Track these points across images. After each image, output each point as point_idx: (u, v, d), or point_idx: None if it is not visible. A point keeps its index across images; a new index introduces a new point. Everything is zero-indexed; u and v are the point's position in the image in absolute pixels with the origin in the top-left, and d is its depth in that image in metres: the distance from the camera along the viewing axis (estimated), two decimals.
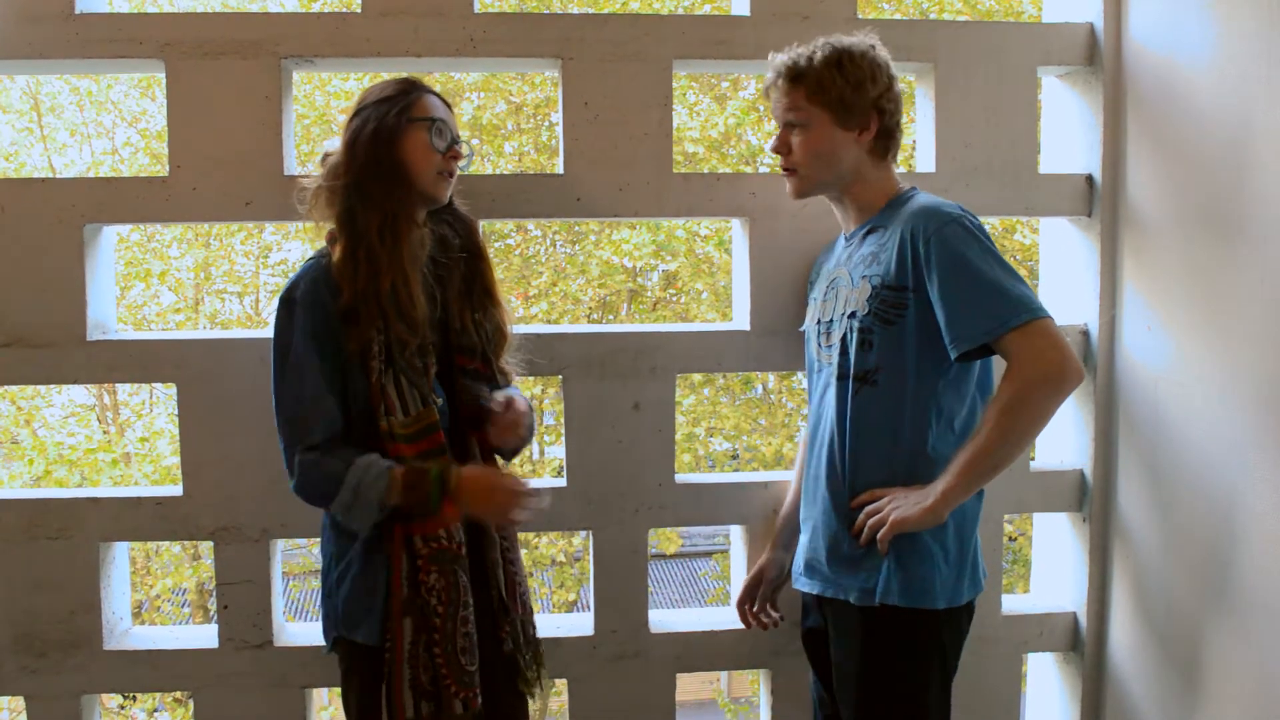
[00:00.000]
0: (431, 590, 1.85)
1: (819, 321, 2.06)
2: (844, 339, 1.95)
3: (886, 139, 1.97)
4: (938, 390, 1.89)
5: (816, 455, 2.04)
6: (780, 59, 1.98)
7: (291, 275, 1.91)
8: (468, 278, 2.02)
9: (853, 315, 1.93)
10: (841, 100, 1.92)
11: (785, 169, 2.01)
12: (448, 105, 2.01)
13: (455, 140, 1.96)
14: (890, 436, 1.90)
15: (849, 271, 1.99)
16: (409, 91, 1.93)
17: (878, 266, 1.91)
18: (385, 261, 1.85)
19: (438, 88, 1.96)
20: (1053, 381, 1.77)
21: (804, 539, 2.10)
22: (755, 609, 2.30)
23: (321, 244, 1.96)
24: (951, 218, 1.84)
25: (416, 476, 1.83)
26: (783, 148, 2.00)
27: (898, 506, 1.84)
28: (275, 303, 1.89)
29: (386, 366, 1.86)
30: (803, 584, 2.08)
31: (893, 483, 1.89)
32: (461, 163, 1.98)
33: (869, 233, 1.98)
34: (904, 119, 1.99)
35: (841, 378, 1.94)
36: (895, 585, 1.88)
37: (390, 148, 1.88)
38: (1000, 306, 1.78)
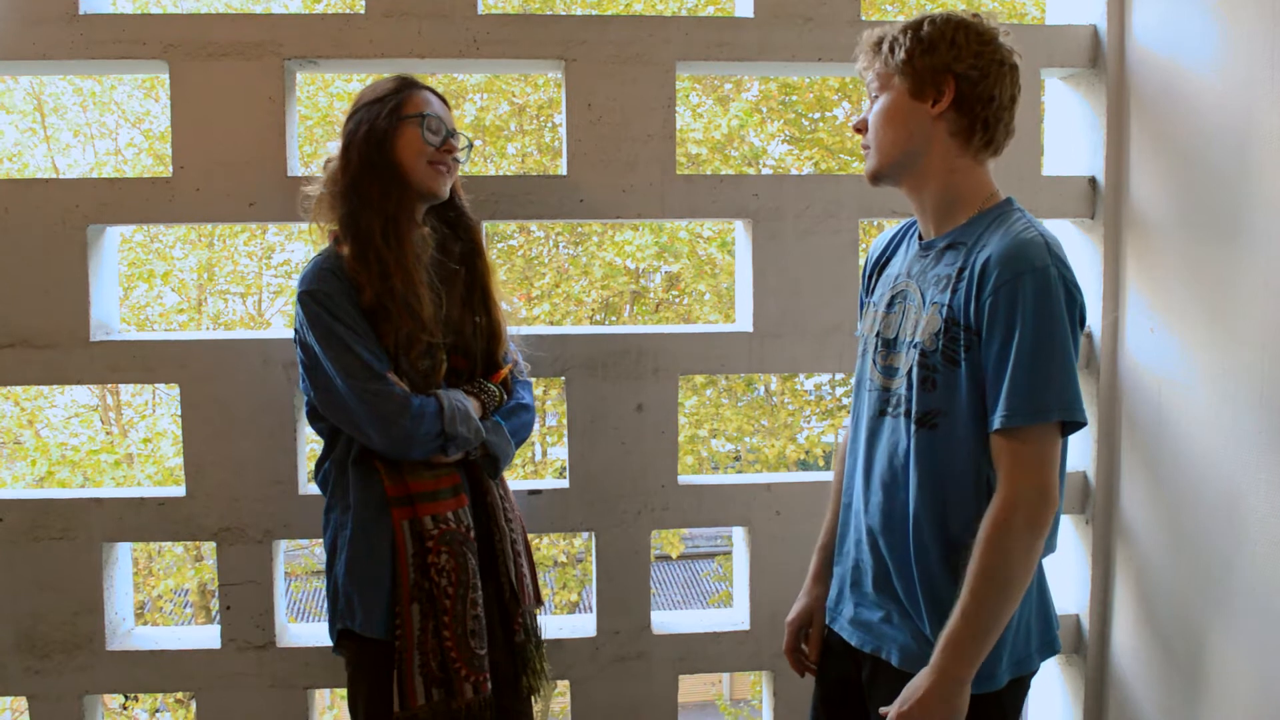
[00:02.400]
0: (441, 571, 1.87)
1: (878, 335, 1.79)
2: (910, 372, 1.69)
3: (969, 118, 1.67)
4: (985, 467, 1.65)
5: (865, 488, 1.79)
6: (868, 32, 1.77)
7: (303, 272, 1.92)
8: (469, 282, 2.03)
9: (917, 346, 1.69)
10: (910, 63, 1.67)
11: (864, 147, 1.77)
12: (445, 101, 2.01)
13: (450, 134, 1.96)
14: (945, 490, 1.66)
15: (920, 289, 1.72)
16: (400, 90, 1.94)
17: (951, 296, 1.65)
18: (392, 263, 1.87)
19: (440, 88, 1.96)
20: (1032, 520, 1.56)
21: (839, 574, 1.88)
22: (812, 658, 1.96)
23: (325, 244, 1.97)
24: (1034, 267, 1.57)
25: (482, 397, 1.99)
26: (861, 124, 1.77)
27: None
28: (297, 302, 1.89)
29: (394, 366, 1.88)
30: (840, 627, 1.86)
31: (956, 543, 1.65)
32: (459, 154, 1.99)
33: (949, 248, 1.70)
34: (1005, 102, 1.69)
35: (906, 415, 1.70)
36: None
37: (383, 148, 1.90)
38: (1013, 405, 1.57)
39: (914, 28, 1.69)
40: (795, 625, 1.97)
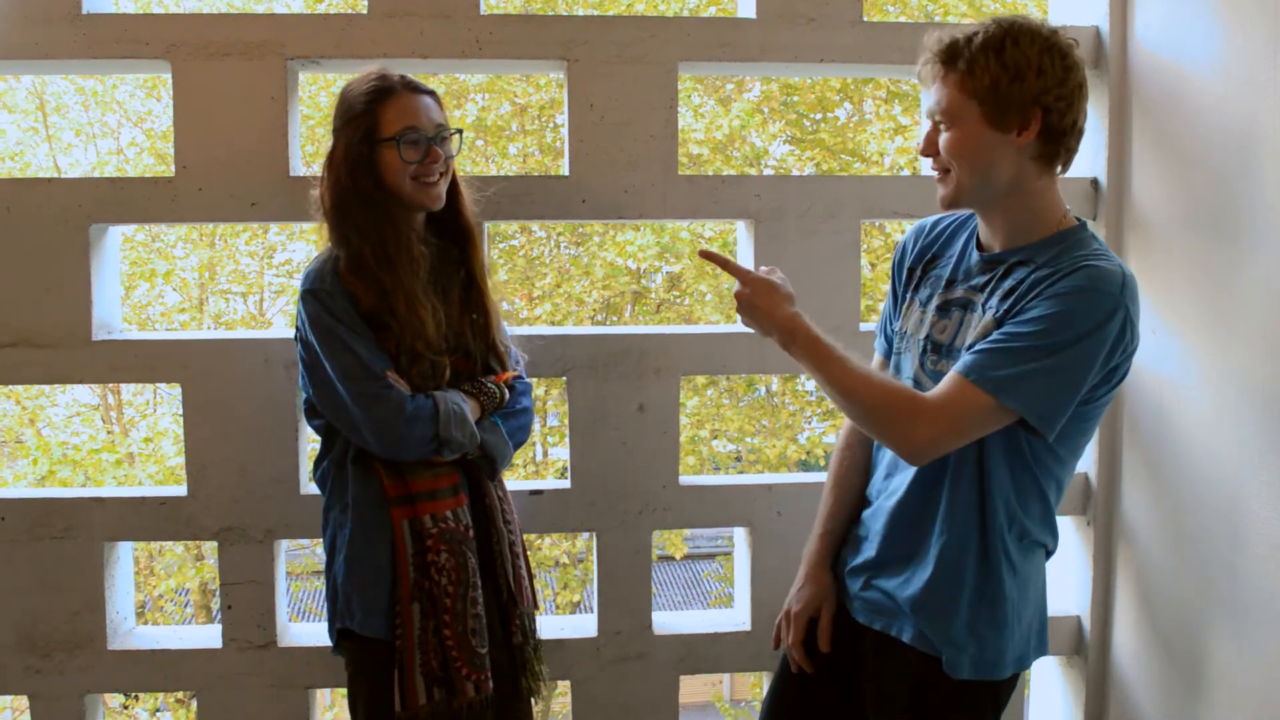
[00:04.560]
0: (441, 570, 1.86)
1: (928, 338, 1.75)
2: None
3: (1054, 144, 1.60)
4: (1025, 452, 1.66)
5: (900, 480, 1.78)
6: (936, 36, 1.64)
7: (306, 270, 1.91)
8: (466, 282, 2.02)
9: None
10: (995, 91, 1.56)
11: (939, 170, 1.68)
12: (427, 91, 1.93)
13: (432, 140, 1.90)
14: (985, 490, 1.68)
15: (981, 301, 1.68)
16: (372, 107, 1.87)
17: (1009, 304, 1.62)
18: (390, 284, 1.85)
19: (441, 88, 1.94)
20: (904, 428, 1.60)
21: (849, 559, 1.88)
22: (823, 648, 1.89)
23: (327, 243, 1.95)
24: (1101, 289, 1.55)
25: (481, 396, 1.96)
26: (929, 148, 1.67)
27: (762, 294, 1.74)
28: (299, 300, 1.88)
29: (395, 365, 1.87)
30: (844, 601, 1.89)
31: (990, 533, 1.68)
32: (449, 154, 1.94)
33: (1019, 264, 1.64)
34: (1083, 123, 1.63)
35: None
36: (967, 660, 1.70)
37: (362, 176, 1.86)
38: (992, 365, 1.56)
39: (994, 48, 1.57)
40: (805, 617, 1.90)
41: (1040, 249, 1.64)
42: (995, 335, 1.59)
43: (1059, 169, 1.65)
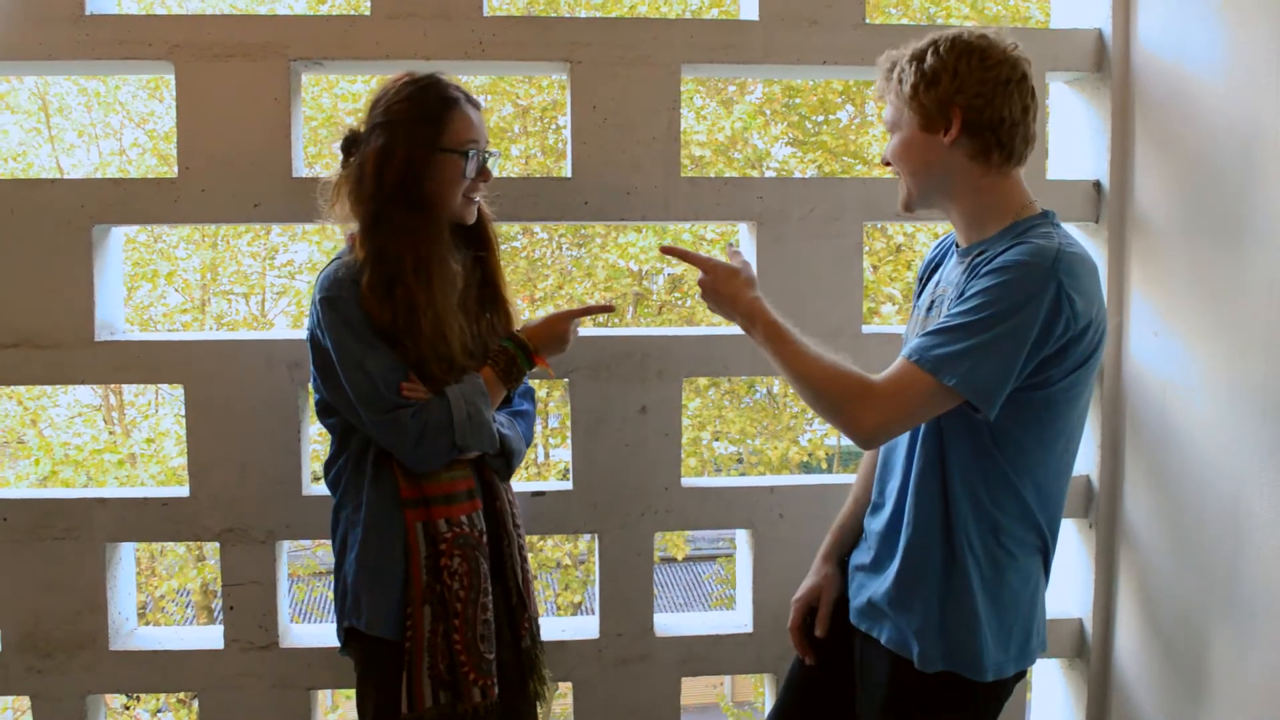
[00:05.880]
0: (454, 574, 1.85)
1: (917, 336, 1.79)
2: None
3: (982, 141, 1.66)
4: (988, 440, 1.68)
5: (889, 478, 1.84)
6: (885, 54, 1.77)
7: (324, 274, 1.86)
8: (482, 284, 2.01)
9: None
10: (917, 96, 1.67)
11: (897, 176, 1.80)
12: (476, 104, 1.91)
13: (485, 159, 1.90)
14: (949, 481, 1.71)
15: (947, 294, 1.76)
16: (440, 114, 1.84)
17: (958, 294, 1.69)
18: (422, 301, 1.81)
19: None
20: (853, 411, 1.64)
21: (858, 555, 1.93)
22: (819, 633, 1.96)
23: (331, 244, 1.94)
24: (1028, 263, 1.58)
25: (503, 362, 1.93)
26: (885, 160, 1.79)
27: (719, 284, 1.84)
28: (317, 304, 1.84)
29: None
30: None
31: (953, 527, 1.70)
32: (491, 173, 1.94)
33: (979, 255, 1.70)
34: (1016, 118, 1.67)
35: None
36: (937, 651, 1.71)
37: (420, 180, 1.82)
38: (933, 345, 1.61)
39: (919, 58, 1.69)
40: (803, 603, 2.00)
41: (996, 240, 1.70)
42: (940, 319, 1.65)
43: (1009, 164, 1.70)
